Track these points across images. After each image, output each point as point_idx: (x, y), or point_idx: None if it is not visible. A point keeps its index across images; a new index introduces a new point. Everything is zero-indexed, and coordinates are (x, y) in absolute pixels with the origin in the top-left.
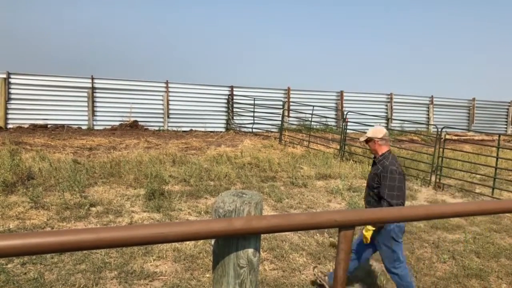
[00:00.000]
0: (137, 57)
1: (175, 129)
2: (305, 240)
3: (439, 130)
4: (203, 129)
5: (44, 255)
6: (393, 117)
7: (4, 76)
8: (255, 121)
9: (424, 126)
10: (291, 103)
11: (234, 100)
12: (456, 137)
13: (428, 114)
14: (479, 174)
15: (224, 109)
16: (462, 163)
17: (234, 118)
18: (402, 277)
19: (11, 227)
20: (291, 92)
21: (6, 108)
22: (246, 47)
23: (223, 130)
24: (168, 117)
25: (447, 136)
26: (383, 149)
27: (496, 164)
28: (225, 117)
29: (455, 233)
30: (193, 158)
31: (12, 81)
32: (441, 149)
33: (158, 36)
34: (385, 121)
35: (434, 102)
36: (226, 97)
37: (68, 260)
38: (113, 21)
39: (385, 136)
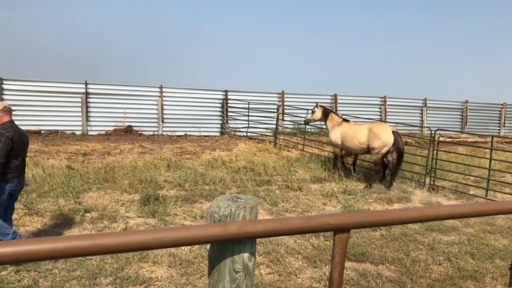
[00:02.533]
0: (130, 62)
1: (169, 133)
2: (300, 243)
3: (433, 132)
4: (197, 134)
5: (38, 262)
6: (387, 120)
7: None
8: (250, 125)
9: (418, 128)
10: (285, 107)
11: (229, 104)
12: (449, 139)
13: (421, 117)
14: (473, 176)
15: (219, 113)
16: (456, 165)
17: (229, 122)
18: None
19: None
20: (285, 95)
21: None
22: (240, 51)
23: (218, 134)
24: (162, 121)
25: (441, 138)
26: (3, 120)
27: (490, 165)
28: (219, 121)
29: (450, 235)
30: (188, 163)
31: (5, 87)
32: (435, 151)
33: (151, 40)
34: None
35: (428, 105)
36: (221, 101)
37: (63, 266)
38: (105, 26)
39: (4, 109)
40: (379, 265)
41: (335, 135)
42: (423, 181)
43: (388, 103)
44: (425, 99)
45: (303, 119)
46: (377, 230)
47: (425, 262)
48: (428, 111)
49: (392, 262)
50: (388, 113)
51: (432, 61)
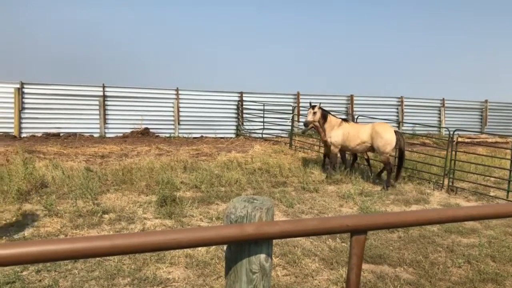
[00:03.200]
0: (147, 65)
1: (185, 135)
2: (317, 245)
3: (451, 133)
4: (213, 135)
5: (58, 262)
6: (404, 121)
7: (18, 86)
8: (265, 127)
9: (436, 129)
10: (301, 108)
11: (244, 106)
12: (468, 140)
13: (439, 117)
14: (493, 177)
15: (234, 115)
16: (475, 166)
17: (244, 123)
18: None
19: (26, 235)
20: (300, 96)
21: (20, 118)
22: (255, 52)
23: (233, 136)
24: (178, 123)
25: (460, 139)
26: None
27: (511, 166)
28: (235, 123)
29: (470, 237)
30: (204, 164)
31: (25, 90)
32: (453, 152)
33: (166, 43)
34: (396, 125)
35: (446, 105)
36: (236, 103)
37: (82, 267)
38: (120, 29)
39: None
40: (397, 267)
41: (337, 135)
42: (441, 182)
43: (405, 103)
44: (443, 99)
45: None
46: (395, 232)
47: (444, 265)
48: (446, 111)
49: (410, 264)
50: (405, 114)
51: (450, 60)
